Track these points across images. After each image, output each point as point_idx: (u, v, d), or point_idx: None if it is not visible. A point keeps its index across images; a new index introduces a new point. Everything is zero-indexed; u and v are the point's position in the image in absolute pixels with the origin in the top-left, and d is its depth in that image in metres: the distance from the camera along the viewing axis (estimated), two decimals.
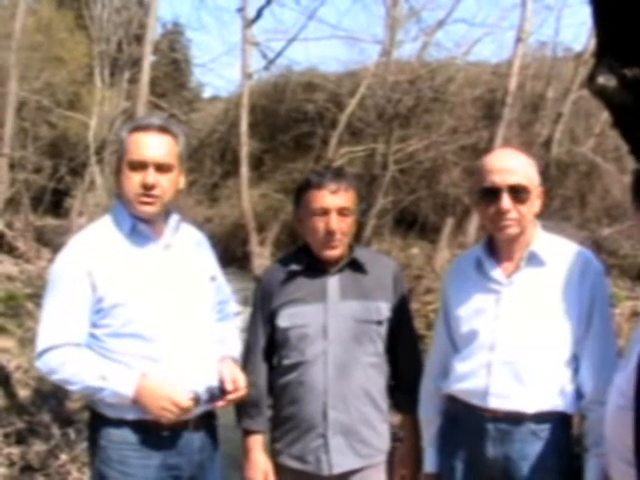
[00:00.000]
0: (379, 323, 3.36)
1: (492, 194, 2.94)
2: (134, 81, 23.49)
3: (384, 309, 3.37)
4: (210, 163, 28.25)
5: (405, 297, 3.50)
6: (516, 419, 2.92)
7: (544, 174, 18.76)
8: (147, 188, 3.05)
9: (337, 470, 3.30)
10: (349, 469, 3.32)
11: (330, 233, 3.26)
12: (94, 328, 3.04)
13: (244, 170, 22.58)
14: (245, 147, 22.70)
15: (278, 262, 3.55)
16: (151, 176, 3.04)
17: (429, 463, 3.22)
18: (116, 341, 3.02)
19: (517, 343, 2.94)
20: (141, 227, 3.11)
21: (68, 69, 25.00)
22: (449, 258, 14.43)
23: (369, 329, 3.34)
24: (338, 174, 3.36)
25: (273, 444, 3.46)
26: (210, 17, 72.60)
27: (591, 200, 20.45)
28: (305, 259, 3.39)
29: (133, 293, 3.02)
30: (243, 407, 3.40)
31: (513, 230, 2.95)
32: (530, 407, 2.91)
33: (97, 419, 3.09)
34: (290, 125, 25.80)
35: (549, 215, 15.39)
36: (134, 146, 3.06)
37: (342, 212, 3.28)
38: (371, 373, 3.35)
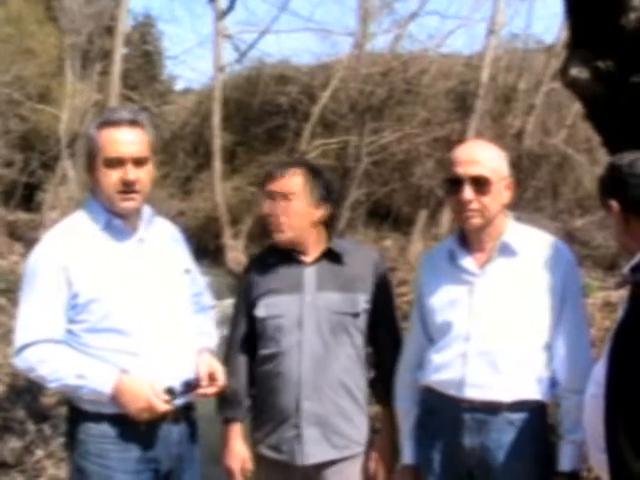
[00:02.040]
0: (356, 315, 3.37)
1: (456, 185, 2.98)
2: (106, 74, 23.34)
3: (362, 301, 3.37)
4: (183, 156, 28.10)
5: (387, 288, 3.51)
6: (492, 408, 2.95)
7: (516, 165, 18.86)
8: (128, 184, 3.03)
9: (311, 460, 3.32)
10: (323, 460, 3.34)
11: (267, 216, 3.37)
12: (71, 324, 3.02)
13: (217, 163, 22.51)
14: (218, 140, 22.63)
15: (261, 253, 3.61)
16: (132, 172, 3.02)
17: (407, 455, 3.23)
18: (93, 336, 3.01)
19: (491, 333, 2.97)
20: (116, 222, 3.09)
21: (38, 62, 24.73)
22: (423, 250, 14.47)
23: (345, 321, 3.35)
24: (284, 161, 3.46)
25: (253, 434, 3.49)
26: (182, 9, 72.00)
27: (563, 191, 20.57)
28: (283, 250, 3.41)
29: (109, 288, 3.01)
30: (223, 396, 3.42)
31: (475, 221, 2.99)
32: (506, 396, 2.94)
33: (75, 413, 3.08)
34: (263, 118, 25.71)
35: (522, 206, 15.48)
36: (108, 143, 3.02)
37: (282, 196, 3.34)
38: (348, 365, 3.36)
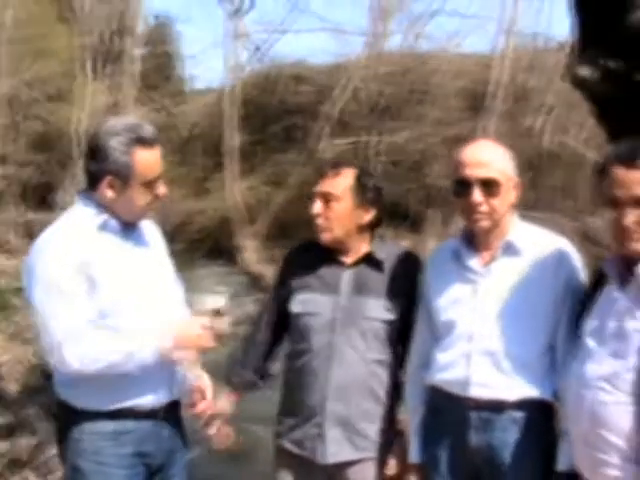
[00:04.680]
0: (389, 323, 3.35)
1: (464, 187, 2.96)
2: (123, 74, 23.43)
3: (396, 308, 3.36)
4: (199, 155, 28.13)
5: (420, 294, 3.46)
6: (497, 407, 2.95)
7: (533, 165, 18.80)
8: (160, 198, 3.10)
9: (331, 460, 3.33)
10: (345, 460, 3.35)
11: (313, 217, 3.35)
12: None
13: (233, 163, 22.55)
14: (234, 139, 22.67)
15: (302, 245, 3.61)
16: (161, 188, 3.09)
17: (414, 453, 3.23)
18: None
19: (495, 333, 2.96)
20: (112, 222, 3.07)
21: (55, 62, 24.85)
22: None
23: (378, 327, 3.34)
24: (336, 163, 3.45)
25: (277, 426, 3.52)
26: (199, 9, 72.05)
27: (580, 191, 20.48)
28: (323, 250, 3.43)
29: (111, 287, 2.99)
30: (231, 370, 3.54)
31: (484, 223, 2.98)
32: (510, 395, 2.94)
33: (68, 413, 3.07)
34: (280, 117, 25.69)
35: (539, 206, 15.41)
36: (146, 167, 3.01)
37: (325, 197, 3.33)
38: (376, 370, 3.36)
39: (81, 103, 24.31)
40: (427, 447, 3.19)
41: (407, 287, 3.38)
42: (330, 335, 3.33)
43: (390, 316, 3.35)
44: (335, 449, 3.33)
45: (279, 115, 25.66)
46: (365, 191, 3.37)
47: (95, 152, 3.01)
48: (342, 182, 3.34)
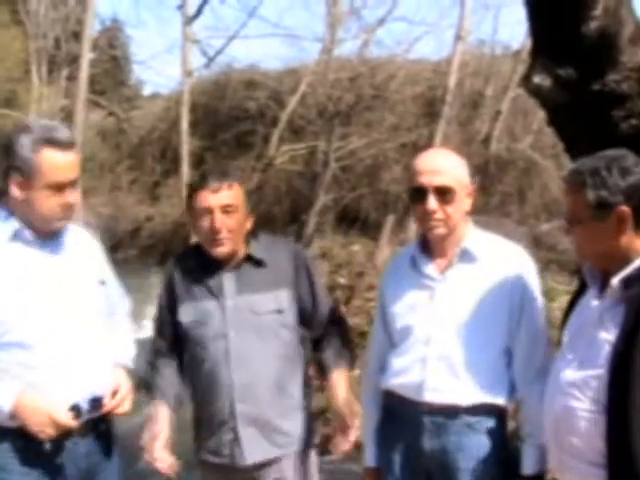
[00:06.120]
0: (280, 312, 3.37)
1: (420, 194, 2.99)
2: (73, 78, 23.22)
3: (285, 297, 3.38)
4: (151, 161, 27.99)
5: (310, 276, 3.49)
6: (451, 412, 2.98)
7: (483, 171, 19.01)
8: (69, 208, 2.98)
9: (251, 460, 3.33)
10: (265, 459, 3.35)
11: (215, 231, 3.28)
12: None
13: (185, 168, 22.46)
14: (186, 145, 22.59)
15: (182, 255, 3.58)
16: (72, 196, 2.97)
17: (369, 457, 3.25)
18: None
19: (451, 338, 2.99)
20: (25, 232, 2.96)
21: (4, 66, 24.54)
22: (390, 255, 14.52)
23: (271, 319, 3.35)
24: (221, 172, 3.40)
25: (194, 440, 3.50)
26: (149, 14, 71.75)
27: (530, 196, 20.76)
28: (203, 256, 3.40)
29: (11, 300, 2.90)
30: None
31: (440, 230, 3.01)
32: (464, 400, 2.96)
33: None
34: (231, 123, 25.68)
35: (489, 211, 15.58)
36: (52, 167, 2.89)
37: (226, 209, 3.29)
38: (279, 363, 3.36)
39: (30, 108, 24.03)
40: (382, 450, 3.21)
41: (290, 274, 3.42)
42: (223, 340, 3.32)
43: (280, 305, 3.37)
44: (252, 450, 3.33)
45: (231, 121, 25.62)
46: (249, 199, 3.42)
47: (5, 149, 2.91)
48: (237, 193, 3.34)
